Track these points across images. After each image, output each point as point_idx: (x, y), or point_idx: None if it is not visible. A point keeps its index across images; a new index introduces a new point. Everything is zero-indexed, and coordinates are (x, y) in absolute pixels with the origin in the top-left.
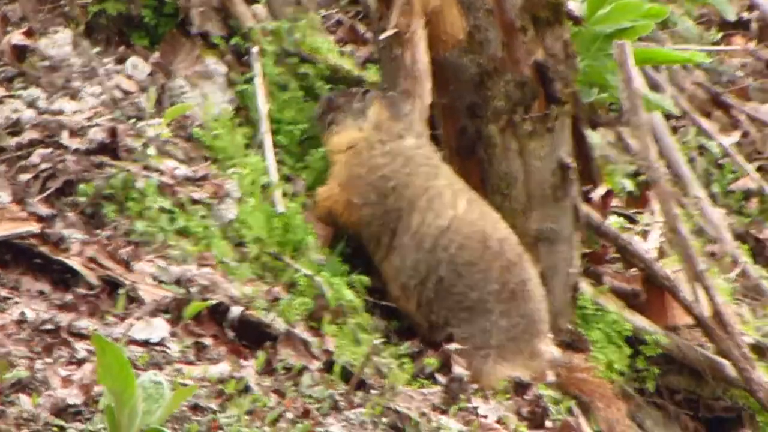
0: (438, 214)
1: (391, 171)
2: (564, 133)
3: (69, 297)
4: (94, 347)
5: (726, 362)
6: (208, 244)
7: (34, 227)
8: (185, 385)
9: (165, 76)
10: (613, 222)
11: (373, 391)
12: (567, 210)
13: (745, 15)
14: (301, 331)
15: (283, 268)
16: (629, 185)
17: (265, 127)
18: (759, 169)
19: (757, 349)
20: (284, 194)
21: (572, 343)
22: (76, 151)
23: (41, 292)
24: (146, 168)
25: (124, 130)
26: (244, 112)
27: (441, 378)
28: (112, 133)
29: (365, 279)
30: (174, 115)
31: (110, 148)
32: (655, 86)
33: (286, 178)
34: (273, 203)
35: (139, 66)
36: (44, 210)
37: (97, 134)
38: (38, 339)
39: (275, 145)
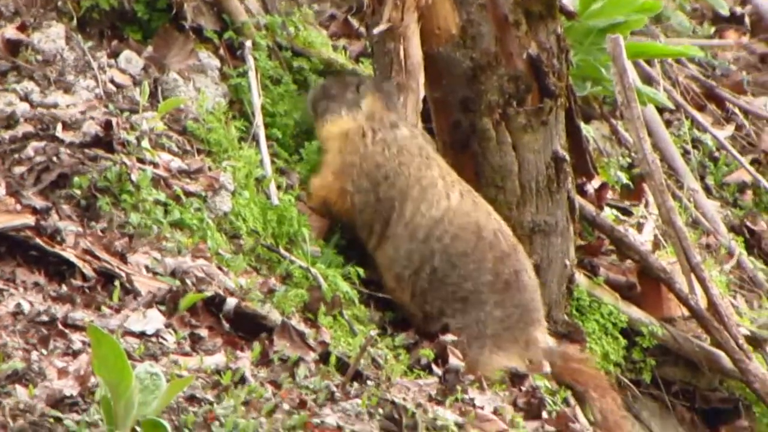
0: (431, 205)
1: (384, 159)
2: (558, 126)
3: (64, 289)
4: (90, 339)
5: (722, 353)
6: (203, 237)
7: (30, 220)
8: (181, 376)
9: (158, 70)
10: (608, 214)
11: (369, 382)
12: (562, 203)
13: (738, 9)
14: (296, 322)
15: (278, 260)
16: (624, 178)
17: (258, 120)
18: (753, 161)
19: (753, 340)
20: (278, 187)
21: (568, 335)
22: (70, 144)
23: (37, 284)
24: (141, 161)
25: (119, 124)
26: (237, 105)
27: (437, 369)
28: (107, 126)
29: (360, 270)
30: (168, 108)
31: (105, 141)
32: (648, 80)
33: (280, 171)
34: (267, 195)
35: (132, 60)
36: (39, 202)
37: (91, 127)
38: (34, 330)
39: (269, 138)
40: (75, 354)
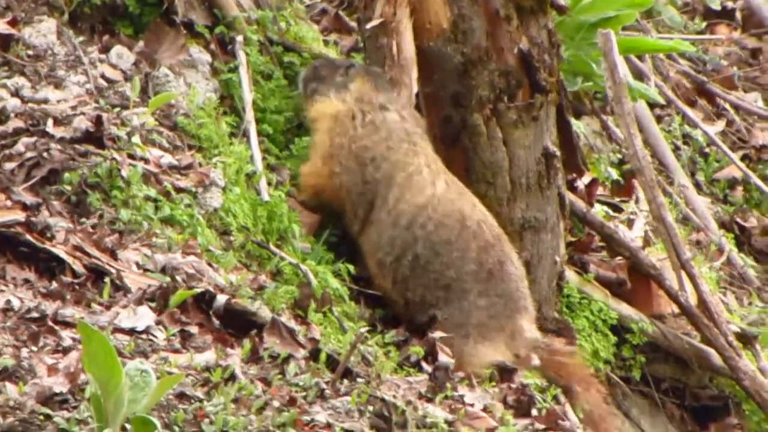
0: (416, 192)
1: (372, 142)
2: (549, 121)
3: (54, 285)
4: (80, 335)
5: (712, 350)
6: (194, 233)
7: (20, 216)
8: (171, 373)
9: (149, 65)
10: (599, 210)
11: (359, 380)
12: (552, 198)
13: (730, 4)
14: (286, 319)
15: (268, 257)
16: (614, 174)
17: (249, 116)
18: (744, 157)
19: (743, 337)
20: (269, 183)
21: (558, 331)
22: (61, 140)
23: (27, 281)
24: (131, 156)
25: (109, 119)
26: (228, 101)
27: (427, 366)
28: (97, 121)
29: (351, 267)
30: (158, 103)
31: (95, 137)
32: (639, 75)
33: (271, 167)
34: (258, 192)
35: (123, 55)
36: (29, 198)
37: (82, 123)
38: (24, 327)
39: (260, 133)
40: (65, 351)
